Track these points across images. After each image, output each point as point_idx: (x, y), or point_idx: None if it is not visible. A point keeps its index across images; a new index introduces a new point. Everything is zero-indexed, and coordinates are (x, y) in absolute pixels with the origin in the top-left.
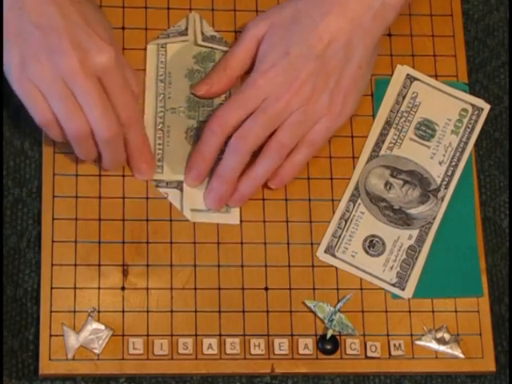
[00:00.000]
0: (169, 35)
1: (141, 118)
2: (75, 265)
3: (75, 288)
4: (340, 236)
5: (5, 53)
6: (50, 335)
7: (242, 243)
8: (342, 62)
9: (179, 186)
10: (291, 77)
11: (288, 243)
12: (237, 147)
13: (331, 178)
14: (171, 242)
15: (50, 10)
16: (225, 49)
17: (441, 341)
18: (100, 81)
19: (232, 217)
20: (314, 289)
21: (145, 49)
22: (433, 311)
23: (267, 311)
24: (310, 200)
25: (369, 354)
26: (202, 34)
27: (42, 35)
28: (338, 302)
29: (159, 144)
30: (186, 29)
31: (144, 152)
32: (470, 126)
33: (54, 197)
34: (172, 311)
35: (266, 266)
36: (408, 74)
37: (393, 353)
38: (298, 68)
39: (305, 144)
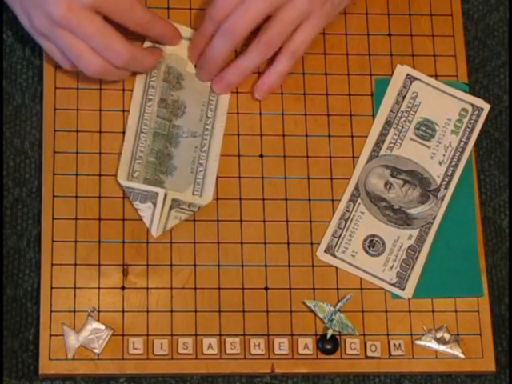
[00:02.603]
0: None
1: (155, 17)
2: (75, 265)
3: (75, 288)
4: (340, 236)
5: (17, 12)
6: (50, 335)
7: (242, 243)
8: None
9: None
10: None
11: (288, 243)
12: (227, 32)
13: (331, 178)
14: (171, 242)
15: None
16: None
17: (441, 341)
18: (98, 11)
19: (204, 199)
20: (313, 289)
21: None
22: (433, 311)
23: (267, 311)
24: (309, 200)
25: (369, 353)
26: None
27: None
28: (338, 301)
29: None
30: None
31: (172, 31)
32: (470, 126)
33: (53, 197)
34: (172, 311)
35: (266, 265)
36: (408, 74)
37: (393, 353)
38: None
39: (288, 53)
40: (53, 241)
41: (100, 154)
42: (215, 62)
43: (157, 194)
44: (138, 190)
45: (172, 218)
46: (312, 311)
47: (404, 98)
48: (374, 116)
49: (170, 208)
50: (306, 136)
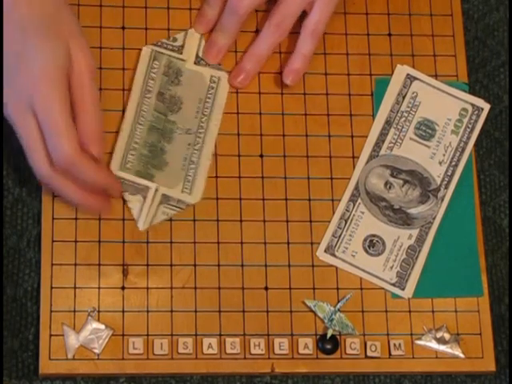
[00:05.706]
0: (166, 47)
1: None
2: (75, 264)
3: (75, 288)
4: (340, 236)
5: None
6: (50, 335)
7: (242, 243)
8: None
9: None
10: None
11: (288, 243)
12: (233, 7)
13: (331, 178)
14: (171, 242)
15: None
16: (215, 71)
17: (441, 340)
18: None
19: (193, 197)
20: (313, 288)
21: None
22: (433, 311)
23: (267, 311)
24: (309, 200)
25: (369, 353)
26: (197, 56)
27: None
28: (338, 301)
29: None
30: (182, 46)
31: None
32: (470, 126)
33: (54, 197)
34: (172, 311)
35: (266, 265)
36: (408, 74)
37: (393, 352)
38: None
39: (307, 33)
40: (53, 241)
41: None
42: (227, 36)
43: (148, 187)
44: (130, 182)
45: (160, 214)
46: (312, 311)
47: (404, 97)
48: (374, 116)
49: (160, 203)
50: (306, 136)
